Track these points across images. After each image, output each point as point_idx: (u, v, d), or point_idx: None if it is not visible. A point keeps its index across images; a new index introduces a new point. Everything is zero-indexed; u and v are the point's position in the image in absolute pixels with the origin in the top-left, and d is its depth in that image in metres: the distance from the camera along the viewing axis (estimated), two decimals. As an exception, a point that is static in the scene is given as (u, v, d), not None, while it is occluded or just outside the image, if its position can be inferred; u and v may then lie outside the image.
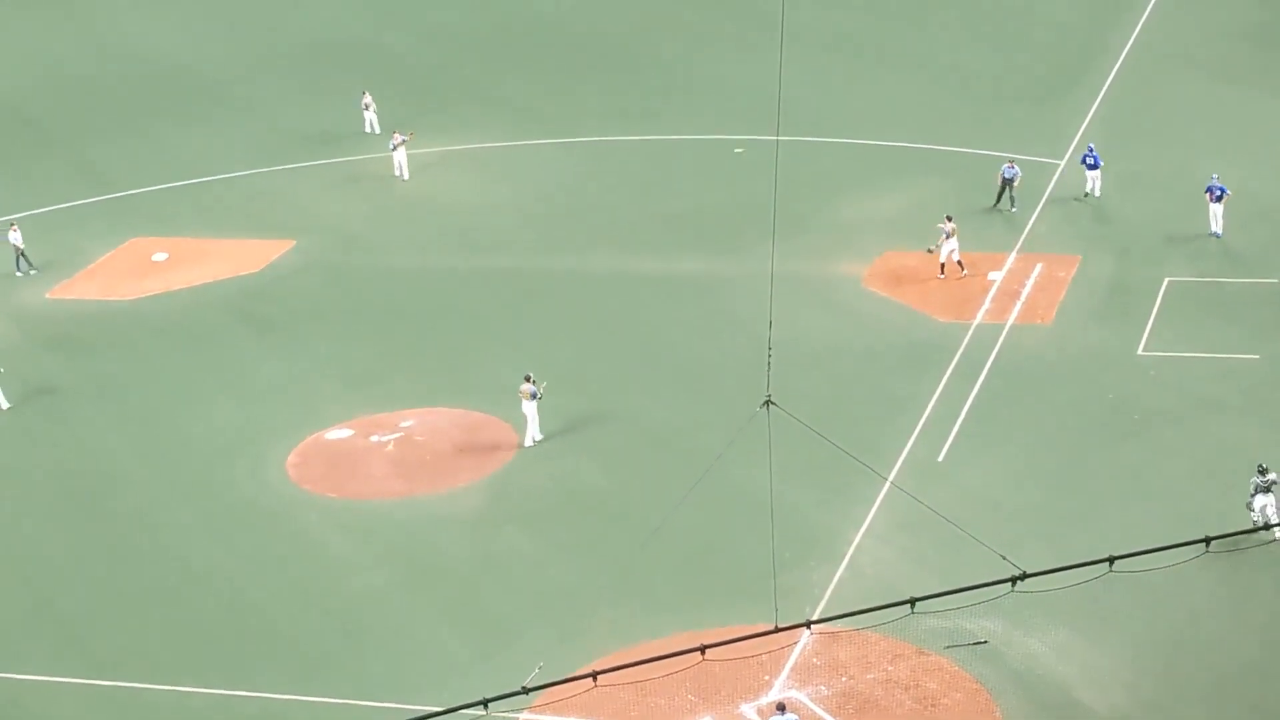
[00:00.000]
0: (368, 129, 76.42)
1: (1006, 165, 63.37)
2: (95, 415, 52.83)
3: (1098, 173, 63.88)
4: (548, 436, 48.70)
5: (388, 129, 73.90)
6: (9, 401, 53.57)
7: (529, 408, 48.44)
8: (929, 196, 64.51)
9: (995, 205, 63.12)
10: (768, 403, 31.50)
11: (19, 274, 63.74)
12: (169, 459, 49.73)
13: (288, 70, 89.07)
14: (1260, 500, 40.89)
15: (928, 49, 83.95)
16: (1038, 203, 63.35)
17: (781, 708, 34.69)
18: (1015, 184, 63.00)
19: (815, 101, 74.97)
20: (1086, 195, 63.75)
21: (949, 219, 57.66)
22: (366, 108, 76.82)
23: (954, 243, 57.09)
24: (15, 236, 63.96)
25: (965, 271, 57.30)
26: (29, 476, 49.43)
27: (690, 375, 52.19)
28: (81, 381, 54.76)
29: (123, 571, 44.14)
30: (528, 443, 48.72)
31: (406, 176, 70.86)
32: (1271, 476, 40.91)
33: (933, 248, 57.73)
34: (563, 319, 56.75)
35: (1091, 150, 64.45)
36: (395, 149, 70.98)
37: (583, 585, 41.02)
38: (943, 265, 57.37)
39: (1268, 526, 40.12)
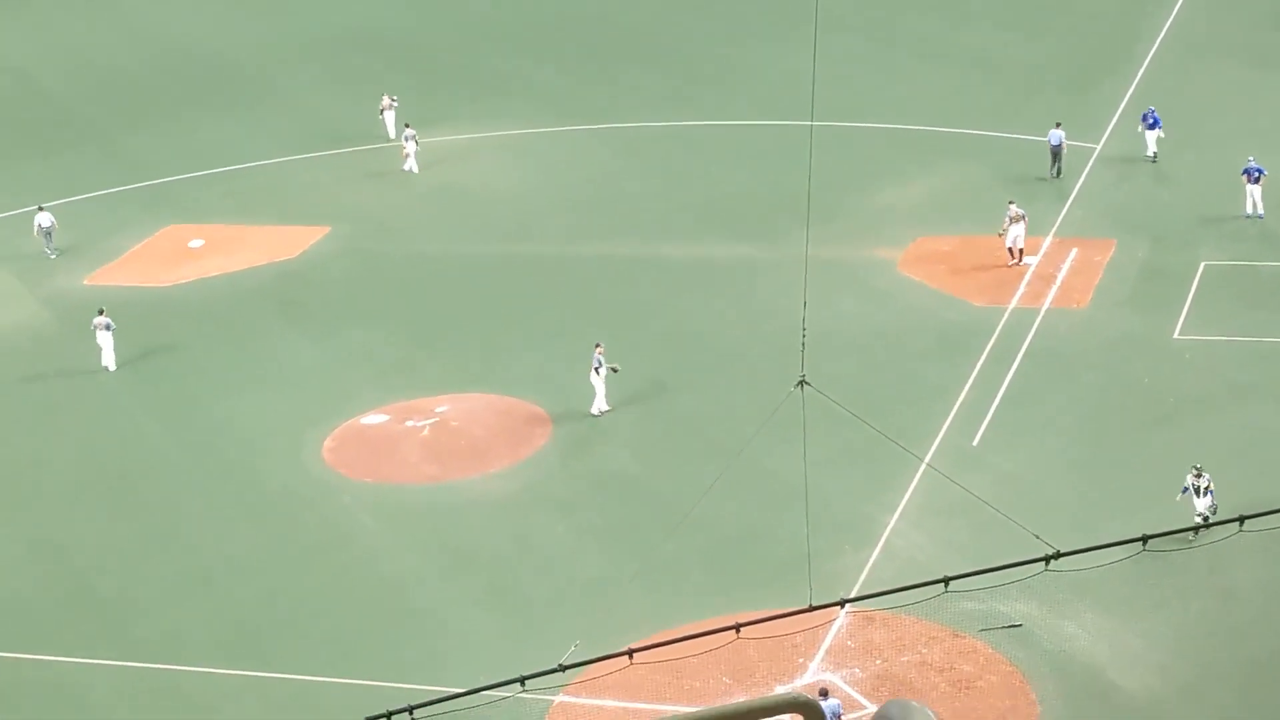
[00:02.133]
0: (391, 134, 74.28)
1: (1052, 133, 63.89)
2: (131, 401, 53.07)
3: (1156, 134, 64.14)
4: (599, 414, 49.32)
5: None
6: (113, 364, 54.82)
7: (596, 378, 48.82)
8: (963, 181, 64.51)
9: (1054, 175, 63.89)
10: (802, 383, 31.51)
11: (48, 252, 64.68)
12: (205, 444, 49.95)
13: (320, 59, 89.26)
14: (1200, 503, 40.55)
15: (961, 37, 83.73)
16: (1074, 187, 63.22)
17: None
18: (1062, 151, 63.66)
19: (848, 87, 74.86)
20: (1152, 158, 64.25)
21: (1012, 203, 57.52)
22: (386, 109, 74.74)
23: (1020, 228, 56.79)
24: (44, 218, 64.82)
25: (1014, 261, 56.97)
26: (66, 461, 49.70)
27: (723, 361, 52.23)
28: (117, 368, 54.94)
29: (159, 556, 44.37)
30: (594, 411, 49.18)
31: (415, 170, 70.60)
32: (1207, 479, 40.68)
33: (1001, 231, 57.38)
34: (594, 305, 56.79)
35: (1152, 111, 64.63)
36: (407, 140, 70.62)
37: (616, 571, 41.05)
38: (1010, 250, 57.08)
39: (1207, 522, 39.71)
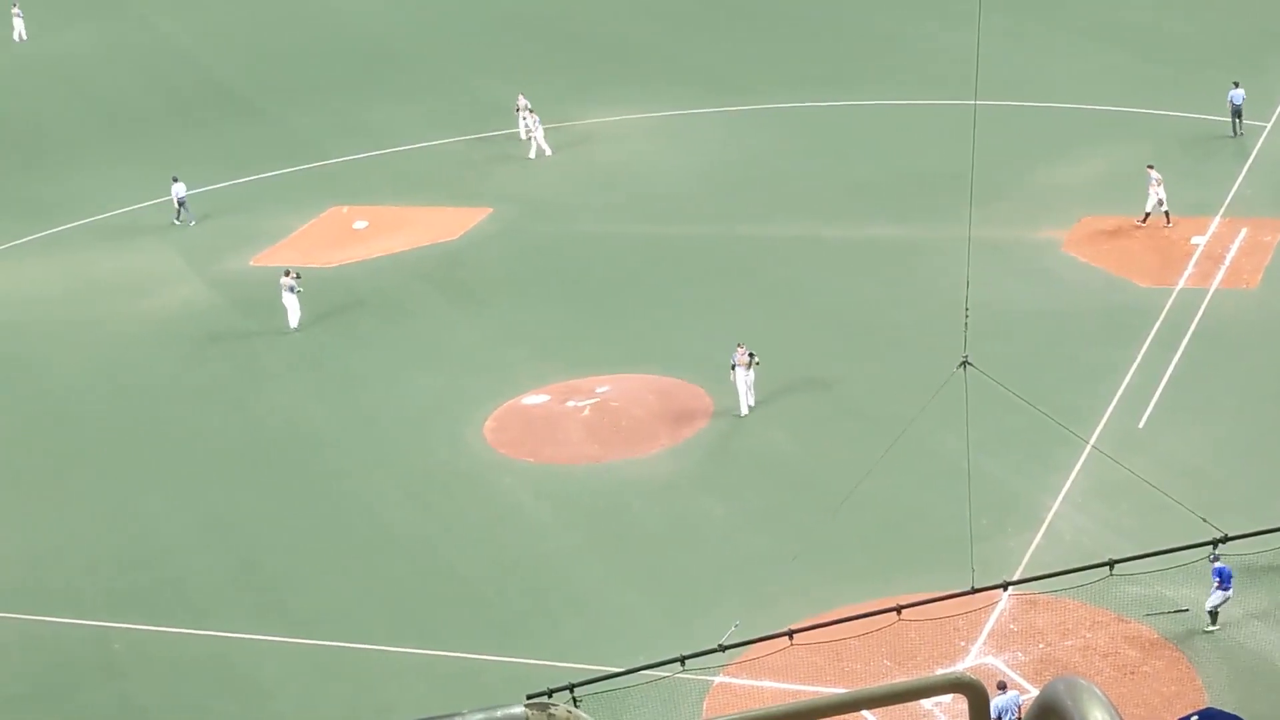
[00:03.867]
0: (523, 135, 72.29)
1: (1233, 93, 63.72)
2: (295, 381, 53.76)
3: None
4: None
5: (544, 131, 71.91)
6: (297, 324, 56.73)
7: (735, 377, 48.23)
8: (1128, 160, 63.41)
9: (1236, 133, 63.92)
10: (964, 363, 31.29)
11: (176, 222, 66.74)
12: (368, 424, 50.47)
13: (479, 40, 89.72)
14: None
15: (1124, 13, 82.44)
16: (1243, 165, 62.06)
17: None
18: (1243, 110, 63.66)
19: (1010, 65, 73.95)
20: None
21: (1151, 168, 57.22)
22: (521, 110, 72.58)
23: (1161, 191, 56.35)
24: (178, 189, 66.83)
25: (1166, 223, 57.01)
26: (232, 440, 50.43)
27: (883, 342, 51.89)
28: (282, 347, 55.73)
29: (324, 534, 44.92)
30: (742, 411, 48.34)
31: (549, 152, 70.60)
32: None
33: (1158, 203, 57.22)
34: (753, 286, 56.63)
35: None
36: (536, 127, 70.71)
37: (776, 552, 40.95)
38: (1146, 214, 57.03)
39: None
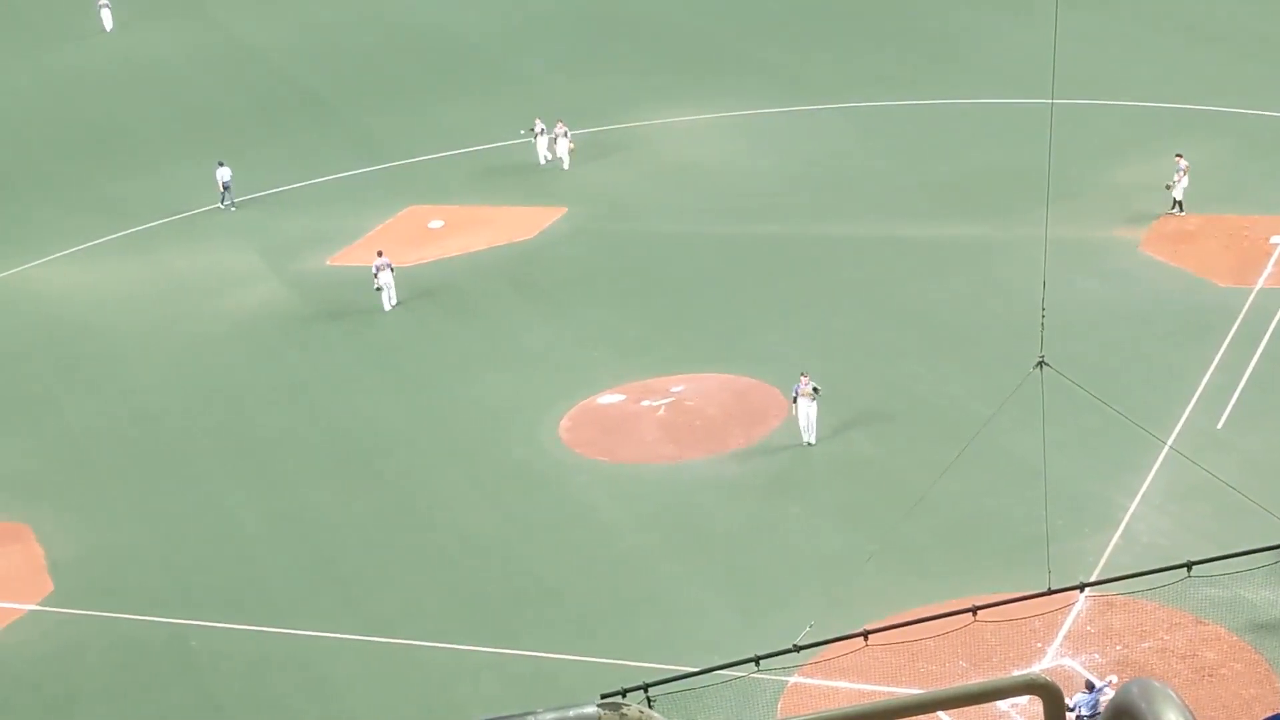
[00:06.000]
0: (540, 160, 70.98)
1: None
2: (372, 380, 53.99)
3: None
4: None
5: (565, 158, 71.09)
6: (397, 301, 58.39)
7: (799, 406, 46.97)
8: (1208, 158, 62.92)
9: None
10: (1041, 363, 31.13)
11: (221, 207, 68.62)
12: (444, 423, 50.63)
13: (554, 40, 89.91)
14: None
15: (1204, 9, 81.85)
16: (1323, 164, 61.53)
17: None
18: None
19: (1088, 63, 73.53)
20: None
21: (1179, 156, 57.61)
22: (539, 134, 71.02)
23: (1186, 181, 56.92)
24: (223, 173, 68.43)
25: (1183, 212, 57.85)
26: (309, 439, 50.69)
27: (959, 341, 51.63)
28: (359, 347, 55.99)
29: (398, 533, 45.06)
30: (808, 440, 46.85)
31: (566, 167, 70.20)
32: None
33: (1170, 184, 57.88)
34: (828, 286, 56.47)
35: None
36: (539, 135, 70.51)
37: (851, 551, 40.83)
38: (1180, 204, 57.81)
39: None
